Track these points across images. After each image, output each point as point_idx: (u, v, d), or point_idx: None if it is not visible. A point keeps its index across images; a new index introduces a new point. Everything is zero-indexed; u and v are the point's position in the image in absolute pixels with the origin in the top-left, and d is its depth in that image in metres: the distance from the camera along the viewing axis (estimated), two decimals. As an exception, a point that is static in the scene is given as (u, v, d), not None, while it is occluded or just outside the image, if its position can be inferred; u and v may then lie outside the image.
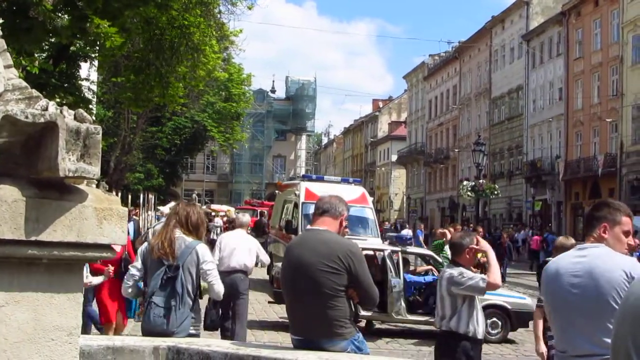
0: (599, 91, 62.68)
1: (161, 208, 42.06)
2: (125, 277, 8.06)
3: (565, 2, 69.47)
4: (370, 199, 28.34)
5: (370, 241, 23.01)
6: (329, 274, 6.38)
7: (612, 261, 5.16)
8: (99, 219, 4.09)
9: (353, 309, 6.67)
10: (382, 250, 18.99)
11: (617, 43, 59.96)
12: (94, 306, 13.98)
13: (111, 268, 12.27)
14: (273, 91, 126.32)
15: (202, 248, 7.67)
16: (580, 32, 66.49)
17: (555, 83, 70.59)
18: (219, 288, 7.82)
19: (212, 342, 6.60)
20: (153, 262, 7.57)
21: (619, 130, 58.63)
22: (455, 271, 7.84)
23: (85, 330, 12.51)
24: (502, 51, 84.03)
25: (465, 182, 56.95)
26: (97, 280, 12.34)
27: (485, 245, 7.15)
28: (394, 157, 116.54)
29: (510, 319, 18.57)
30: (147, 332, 7.24)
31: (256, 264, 15.86)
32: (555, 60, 70.65)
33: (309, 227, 7.11)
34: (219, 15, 34.98)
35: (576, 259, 5.34)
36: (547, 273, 5.57)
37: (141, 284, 7.86)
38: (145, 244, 8.05)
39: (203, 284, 7.68)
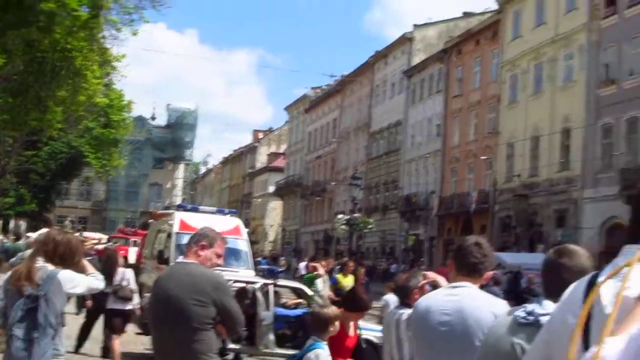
0: (476, 128, 64.00)
1: (32, 235, 40.83)
2: None
3: (447, 40, 70.82)
4: (244, 231, 28.09)
5: (242, 273, 22.80)
6: (196, 307, 6.39)
7: (482, 302, 5.17)
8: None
9: (220, 342, 6.82)
10: (254, 283, 18.83)
11: (496, 82, 61.33)
12: None
13: None
14: (153, 118, 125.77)
15: (63, 275, 7.40)
16: (461, 69, 67.86)
17: (434, 119, 71.71)
18: (98, 284, 7.74)
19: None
20: (13, 292, 7.32)
21: (493, 167, 59.85)
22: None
23: None
24: (383, 86, 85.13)
25: (340, 216, 57.11)
26: None
27: (433, 275, 7.10)
28: (272, 189, 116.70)
29: (378, 354, 18.53)
30: (9, 366, 7.00)
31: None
32: (435, 96, 71.82)
33: (178, 259, 7.13)
34: (102, 40, 34.45)
35: (448, 297, 5.31)
36: (417, 309, 5.54)
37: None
38: (10, 272, 7.81)
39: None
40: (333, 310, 8.51)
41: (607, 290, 2.63)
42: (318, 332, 8.59)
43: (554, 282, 3.98)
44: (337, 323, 8.63)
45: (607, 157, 47.30)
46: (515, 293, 33.11)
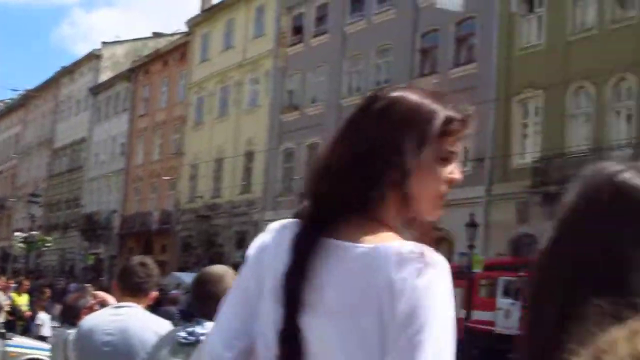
0: (161, 148, 64.17)
1: None
2: None
3: (135, 59, 70.51)
4: None
5: None
6: None
7: (146, 322, 5.21)
8: None
9: None
10: None
11: (182, 103, 61.70)
12: None
13: None
14: None
15: None
16: (148, 89, 67.83)
17: (119, 138, 71.21)
18: None
19: None
20: None
21: (176, 187, 60.03)
22: None
23: None
24: (68, 102, 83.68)
25: (17, 233, 55.70)
26: None
27: (103, 295, 7.01)
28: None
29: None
30: None
31: None
32: (121, 115, 71.41)
33: None
34: None
35: (112, 317, 5.29)
36: (81, 329, 5.50)
37: None
38: None
39: None
40: None
41: None
42: None
43: (206, 304, 4.16)
44: None
45: (287, 181, 48.63)
46: (192, 313, 33.15)
